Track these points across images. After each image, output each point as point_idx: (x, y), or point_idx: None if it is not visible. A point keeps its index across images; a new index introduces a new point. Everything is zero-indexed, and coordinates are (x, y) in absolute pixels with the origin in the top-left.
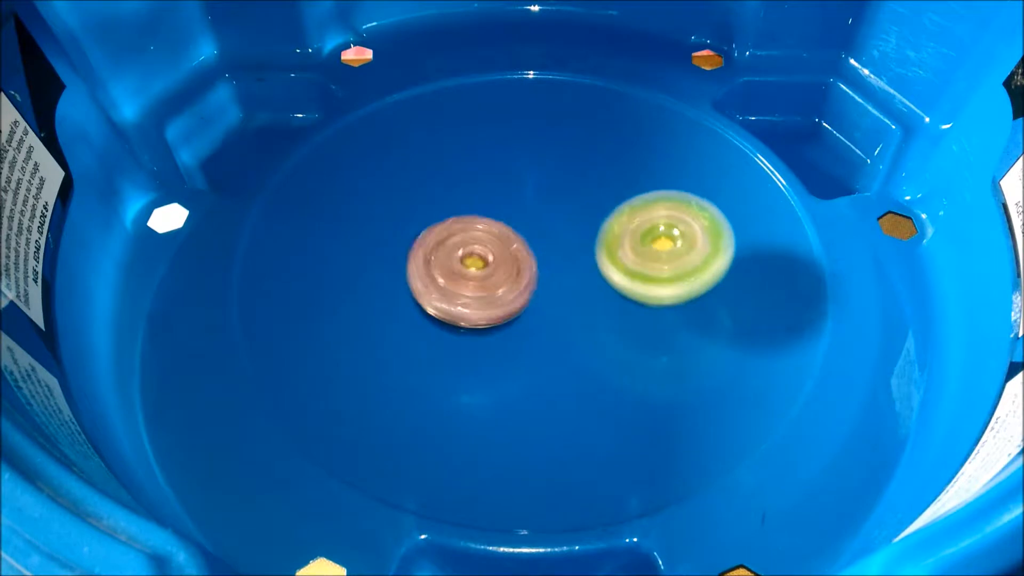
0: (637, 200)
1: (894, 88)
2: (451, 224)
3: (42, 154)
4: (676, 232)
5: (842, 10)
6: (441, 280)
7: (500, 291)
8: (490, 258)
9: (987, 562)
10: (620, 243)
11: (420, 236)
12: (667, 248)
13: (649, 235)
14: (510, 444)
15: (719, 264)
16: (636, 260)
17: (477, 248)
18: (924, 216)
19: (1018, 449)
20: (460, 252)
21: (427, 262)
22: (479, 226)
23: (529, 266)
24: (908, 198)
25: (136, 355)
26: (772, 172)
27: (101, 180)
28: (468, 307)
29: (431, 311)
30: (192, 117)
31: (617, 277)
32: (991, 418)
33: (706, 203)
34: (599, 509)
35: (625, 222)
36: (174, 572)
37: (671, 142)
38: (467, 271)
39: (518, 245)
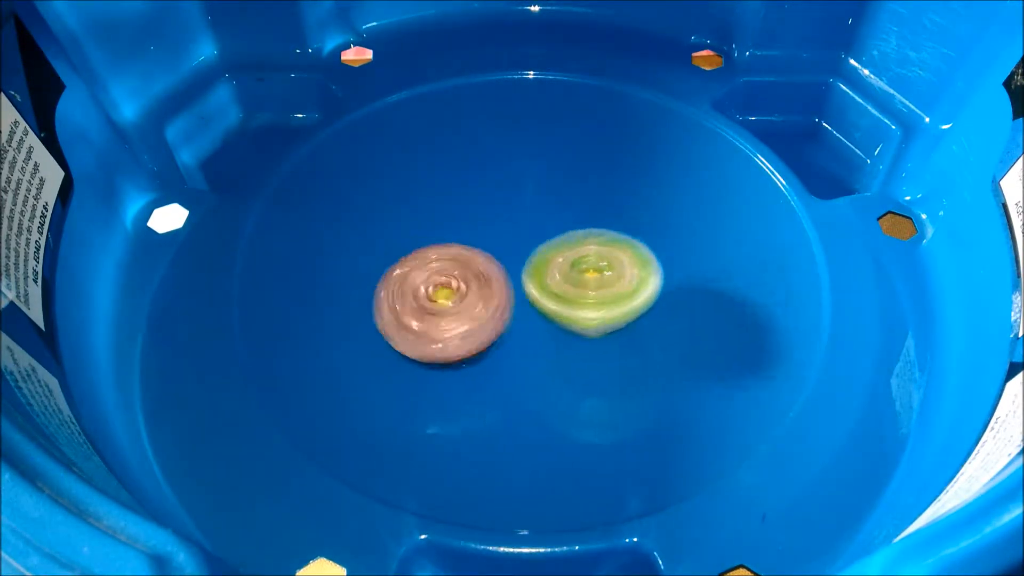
0: (565, 237)
1: (894, 88)
2: (404, 263)
3: (42, 154)
4: (603, 264)
5: (842, 10)
6: (415, 324)
7: (476, 309)
8: (456, 285)
9: (987, 562)
10: (549, 270)
11: (378, 287)
12: (595, 277)
13: (578, 265)
14: (510, 444)
15: (649, 291)
16: (564, 285)
17: (441, 279)
18: (924, 216)
19: (1018, 449)
20: (423, 290)
21: (393, 310)
22: (432, 256)
23: (497, 278)
24: (908, 198)
25: (136, 355)
26: (772, 172)
27: (101, 180)
28: (451, 343)
29: (417, 358)
30: (192, 117)
31: (547, 303)
32: (991, 418)
33: (632, 240)
34: (599, 509)
35: (553, 255)
36: (174, 572)
37: (671, 142)
38: (438, 306)
39: (482, 260)
